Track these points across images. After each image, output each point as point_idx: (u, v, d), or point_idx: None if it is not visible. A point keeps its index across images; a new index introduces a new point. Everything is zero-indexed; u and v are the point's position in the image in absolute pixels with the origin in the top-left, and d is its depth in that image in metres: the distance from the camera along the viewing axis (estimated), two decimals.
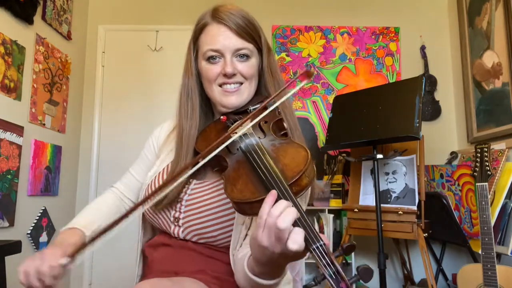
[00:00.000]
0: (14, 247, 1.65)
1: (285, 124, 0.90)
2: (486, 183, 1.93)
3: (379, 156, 2.20)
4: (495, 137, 2.42)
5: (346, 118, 2.35)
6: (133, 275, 1.05)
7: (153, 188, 0.99)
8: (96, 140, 3.04)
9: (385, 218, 2.21)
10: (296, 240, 0.61)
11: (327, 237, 2.17)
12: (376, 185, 2.18)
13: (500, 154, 2.20)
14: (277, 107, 0.89)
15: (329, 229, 2.54)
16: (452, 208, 2.35)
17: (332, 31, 3.10)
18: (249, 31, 0.96)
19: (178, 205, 0.94)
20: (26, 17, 2.31)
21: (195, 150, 0.96)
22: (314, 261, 0.61)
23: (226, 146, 0.82)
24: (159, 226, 0.99)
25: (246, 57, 0.97)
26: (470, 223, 2.26)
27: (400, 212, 2.21)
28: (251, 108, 0.97)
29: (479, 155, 2.04)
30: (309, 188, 0.89)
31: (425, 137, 2.38)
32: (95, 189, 2.99)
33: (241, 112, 0.98)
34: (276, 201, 0.65)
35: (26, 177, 2.35)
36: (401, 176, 2.35)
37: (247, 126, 0.83)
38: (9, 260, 1.62)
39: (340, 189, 2.70)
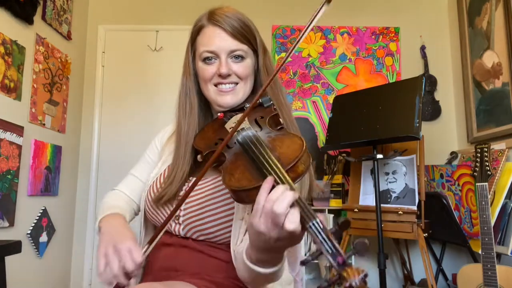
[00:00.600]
0: (14, 247, 1.65)
1: (281, 119, 0.91)
2: (486, 183, 1.93)
3: (379, 156, 2.20)
4: (495, 137, 2.42)
5: (346, 118, 2.36)
6: None
7: (155, 189, 1.00)
8: (96, 140, 3.04)
9: (385, 218, 2.21)
10: (292, 220, 0.63)
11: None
12: (376, 185, 2.18)
13: (500, 154, 2.20)
14: (272, 103, 0.92)
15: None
16: (452, 208, 2.35)
17: (332, 31, 3.10)
18: (244, 33, 0.99)
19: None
20: (26, 17, 2.31)
21: (194, 148, 0.98)
22: (311, 239, 0.62)
23: None
24: (160, 225, 1.00)
25: (241, 58, 1.00)
26: (470, 223, 2.26)
27: (400, 212, 2.21)
28: (247, 106, 0.98)
29: (479, 155, 2.04)
30: (305, 177, 0.90)
31: (425, 137, 2.38)
32: (95, 189, 2.99)
33: (238, 110, 1.01)
34: (273, 187, 0.66)
35: (26, 177, 2.35)
36: (401, 176, 2.35)
37: (245, 119, 0.85)
38: (9, 260, 1.62)
39: (340, 189, 2.70)
